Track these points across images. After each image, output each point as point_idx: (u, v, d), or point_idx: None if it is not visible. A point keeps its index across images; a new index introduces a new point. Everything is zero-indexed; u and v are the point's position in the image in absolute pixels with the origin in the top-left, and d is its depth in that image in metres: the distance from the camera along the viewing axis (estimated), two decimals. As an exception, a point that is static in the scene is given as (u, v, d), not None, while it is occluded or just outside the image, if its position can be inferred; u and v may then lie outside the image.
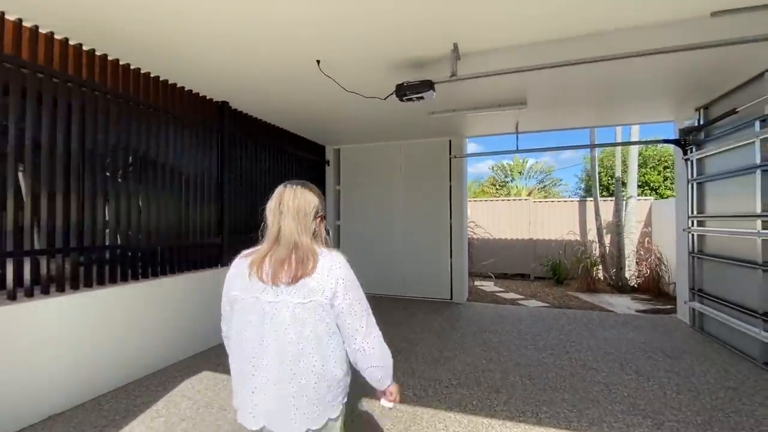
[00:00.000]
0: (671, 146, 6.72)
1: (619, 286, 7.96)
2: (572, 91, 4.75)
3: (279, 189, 1.43)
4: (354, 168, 7.69)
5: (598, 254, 8.37)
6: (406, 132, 6.76)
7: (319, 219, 1.43)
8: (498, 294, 7.88)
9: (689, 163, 5.48)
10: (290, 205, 1.38)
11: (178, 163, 4.29)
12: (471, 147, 6.83)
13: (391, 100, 4.76)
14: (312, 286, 1.29)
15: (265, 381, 1.29)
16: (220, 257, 4.81)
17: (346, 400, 1.41)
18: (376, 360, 1.35)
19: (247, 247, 1.49)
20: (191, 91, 4.46)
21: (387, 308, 6.36)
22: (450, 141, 7.00)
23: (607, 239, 8.78)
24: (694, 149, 5.39)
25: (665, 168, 17.37)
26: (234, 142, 5.14)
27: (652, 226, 8.66)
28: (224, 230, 4.85)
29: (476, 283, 8.64)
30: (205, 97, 4.68)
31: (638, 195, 9.14)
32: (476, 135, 7.03)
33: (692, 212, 5.40)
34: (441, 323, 5.52)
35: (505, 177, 31.39)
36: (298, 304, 1.28)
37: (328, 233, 1.48)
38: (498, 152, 6.07)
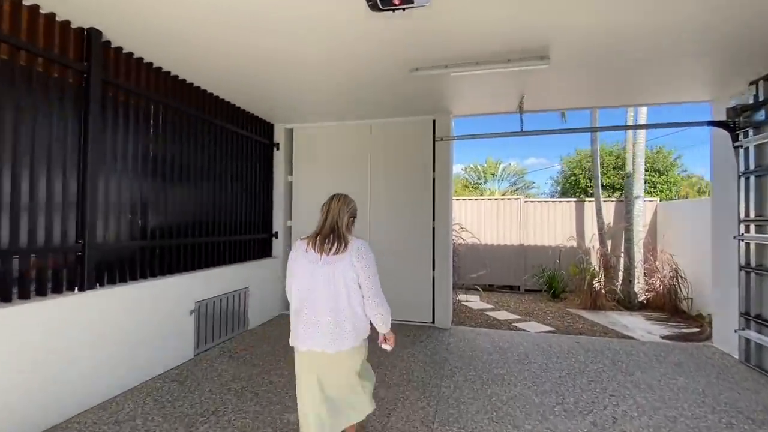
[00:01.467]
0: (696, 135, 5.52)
1: (627, 302, 6.76)
2: (603, 51, 3.40)
3: (329, 197, 2.17)
4: (311, 153, 6.03)
5: (600, 264, 7.16)
6: (379, 107, 5.20)
7: (351, 218, 2.16)
8: (488, 313, 6.45)
9: (741, 151, 4.26)
10: (335, 205, 2.12)
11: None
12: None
13: (357, 46, 3.20)
14: (345, 258, 1.99)
15: (312, 317, 2.00)
16: (80, 275, 3.01)
17: (366, 338, 2.09)
18: (380, 309, 2.02)
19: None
20: (20, 1, 2.67)
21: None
22: (434, 121, 5.49)
23: (607, 246, 7.60)
24: (750, 133, 4.17)
25: (644, 170, 16.91)
26: (113, 102, 3.37)
27: (658, 232, 7.57)
28: (86, 235, 3.05)
29: (459, 297, 7.19)
30: (54, 16, 2.89)
31: (618, 197, 8.07)
32: (466, 114, 5.57)
33: (746, 214, 4.17)
34: (424, 365, 3.97)
35: (478, 179, 30.66)
36: (336, 268, 1.98)
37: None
38: (496, 134, 4.68)
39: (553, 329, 5.57)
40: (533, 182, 31.93)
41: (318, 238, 2.04)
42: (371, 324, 2.08)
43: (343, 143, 5.87)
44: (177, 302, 3.92)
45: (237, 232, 5.19)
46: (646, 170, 17.09)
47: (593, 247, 7.54)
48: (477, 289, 7.91)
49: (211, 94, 4.68)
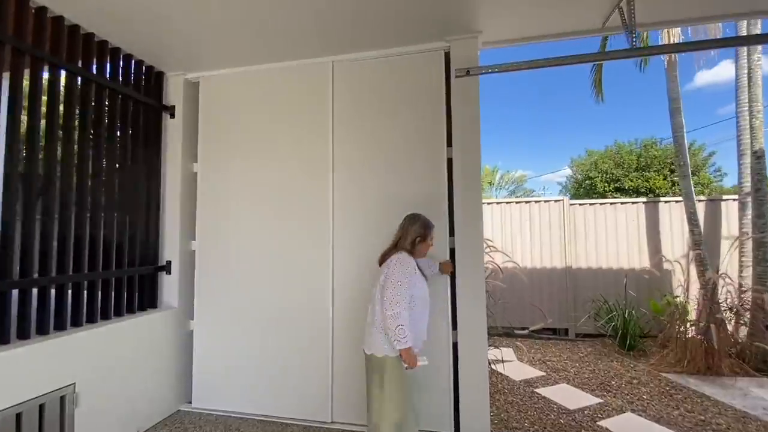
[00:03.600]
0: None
1: (761, 361, 4.20)
2: None
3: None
4: (231, 123, 3.44)
5: (700, 295, 4.64)
6: (347, 27, 2.70)
7: (418, 238, 2.30)
8: (540, 391, 3.84)
9: None
10: (402, 227, 2.38)
11: None
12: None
13: None
14: (383, 269, 2.21)
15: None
16: None
17: (395, 357, 2.09)
18: (387, 321, 2.05)
19: None
20: None
21: None
22: (446, 54, 2.99)
23: (690, 266, 5.10)
24: None
25: (672, 171, 14.60)
26: None
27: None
28: None
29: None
30: None
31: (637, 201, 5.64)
32: (506, 40, 3.07)
33: None
34: None
35: (474, 188, 28.29)
36: (378, 279, 2.23)
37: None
38: (574, 58, 2.34)
39: (683, 436, 2.98)
40: (533, 190, 29.68)
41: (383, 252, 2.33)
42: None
43: (286, 100, 3.31)
44: None
45: (65, 268, 2.57)
46: (671, 171, 14.96)
47: (667, 269, 5.01)
48: (510, 334, 5.32)
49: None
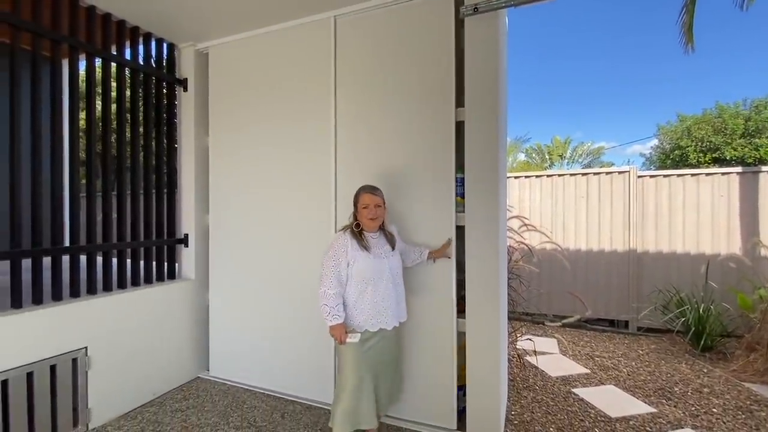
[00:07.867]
0: None
1: None
2: None
3: None
4: (240, 91, 3.31)
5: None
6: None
7: (354, 211, 2.24)
8: (584, 395, 3.33)
9: None
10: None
11: None
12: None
13: None
14: None
15: None
16: None
17: (352, 328, 2.14)
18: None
19: None
20: None
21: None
22: None
23: None
24: None
25: (794, 137, 11.94)
26: None
27: None
28: None
29: (520, 342, 4.09)
30: None
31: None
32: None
33: None
34: None
35: (542, 162, 26.13)
36: None
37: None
38: None
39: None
40: (612, 163, 26.48)
41: None
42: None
43: (289, 65, 3.08)
44: None
45: (76, 239, 2.70)
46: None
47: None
48: (543, 323, 4.77)
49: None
